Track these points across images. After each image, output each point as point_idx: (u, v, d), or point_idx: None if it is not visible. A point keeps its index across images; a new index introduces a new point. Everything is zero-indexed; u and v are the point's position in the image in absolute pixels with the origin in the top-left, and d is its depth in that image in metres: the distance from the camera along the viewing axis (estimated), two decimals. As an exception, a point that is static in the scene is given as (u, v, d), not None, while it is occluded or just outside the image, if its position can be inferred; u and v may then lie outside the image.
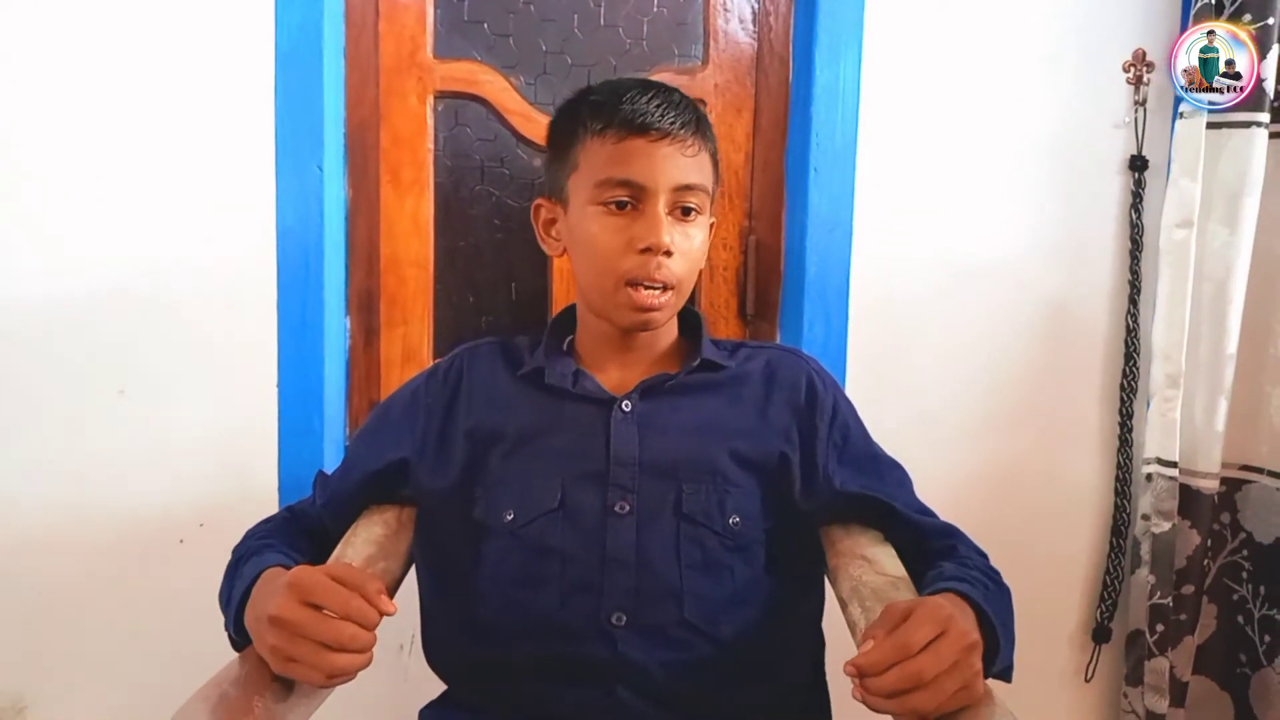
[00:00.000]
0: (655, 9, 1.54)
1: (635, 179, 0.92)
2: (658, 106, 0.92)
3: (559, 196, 1.00)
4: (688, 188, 0.94)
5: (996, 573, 0.93)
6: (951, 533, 1.00)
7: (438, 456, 1.01)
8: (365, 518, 1.05)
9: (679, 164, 0.93)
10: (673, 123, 0.92)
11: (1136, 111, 1.49)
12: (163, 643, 1.46)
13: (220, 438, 1.47)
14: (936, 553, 0.95)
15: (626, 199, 0.93)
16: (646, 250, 0.92)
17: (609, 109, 0.93)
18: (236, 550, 0.96)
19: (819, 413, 1.01)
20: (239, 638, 0.86)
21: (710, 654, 0.91)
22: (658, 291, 0.94)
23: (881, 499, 1.01)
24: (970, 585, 0.84)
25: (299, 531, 1.02)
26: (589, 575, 0.92)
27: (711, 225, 1.03)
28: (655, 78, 1.49)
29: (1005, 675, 0.86)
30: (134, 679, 1.48)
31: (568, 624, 0.91)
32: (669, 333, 1.05)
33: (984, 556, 0.96)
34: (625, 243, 0.93)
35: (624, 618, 0.90)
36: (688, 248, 0.95)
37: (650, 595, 0.91)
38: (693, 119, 0.94)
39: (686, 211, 0.95)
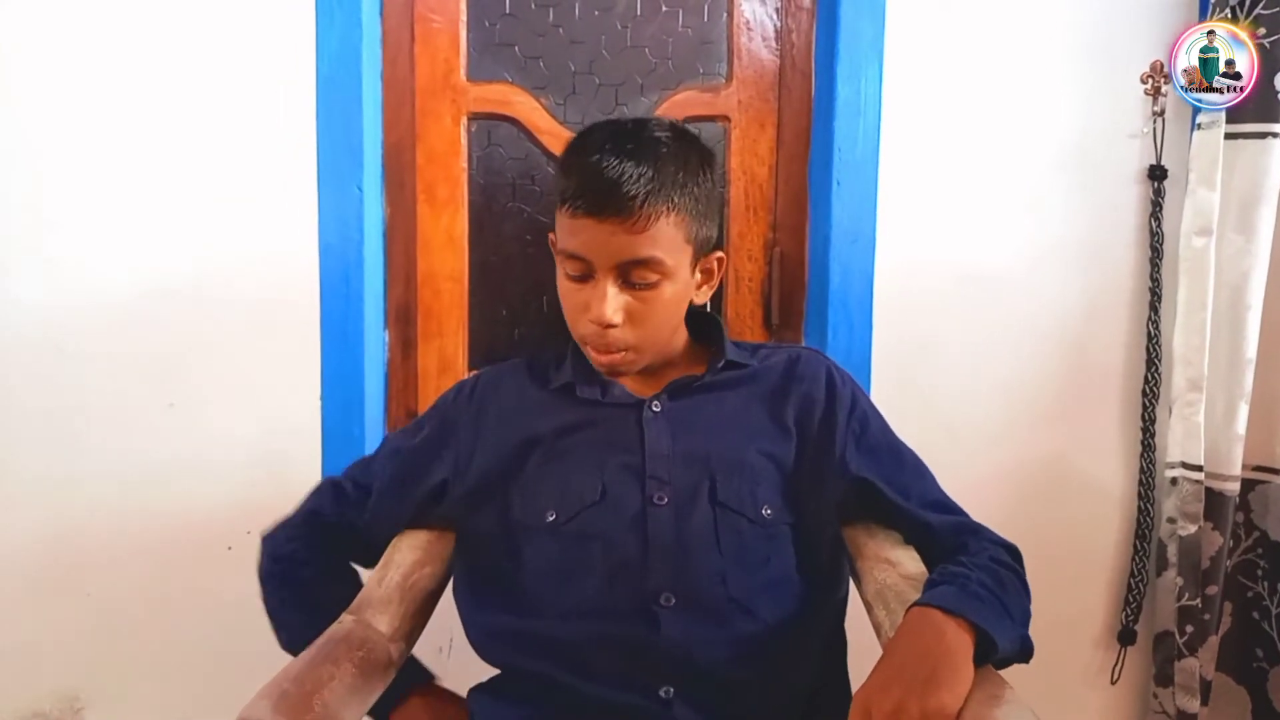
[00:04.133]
0: (680, 29, 1.58)
1: (582, 254, 0.96)
2: (605, 182, 0.92)
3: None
4: (633, 264, 0.95)
5: (1005, 563, 0.94)
6: (964, 529, 1.01)
7: (469, 470, 1.05)
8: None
9: (623, 241, 0.93)
10: (617, 200, 0.91)
11: (1154, 122, 1.51)
12: (214, 644, 1.51)
13: (265, 446, 1.53)
14: (946, 552, 0.97)
15: (578, 272, 0.97)
16: (594, 321, 0.97)
17: (569, 176, 0.96)
18: (279, 580, 1.09)
19: (838, 402, 1.05)
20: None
21: (750, 632, 0.94)
22: (612, 351, 0.99)
23: (888, 493, 1.02)
24: (948, 585, 0.88)
25: (334, 550, 1.10)
26: (633, 558, 0.96)
27: (721, 260, 1.05)
28: (680, 96, 1.57)
29: (1020, 658, 0.88)
30: (187, 679, 1.54)
31: (614, 604, 0.95)
32: (677, 343, 1.09)
33: (1004, 548, 0.97)
34: (581, 306, 0.98)
35: (672, 598, 0.94)
36: (642, 314, 0.97)
37: (693, 575, 0.95)
38: (642, 192, 0.92)
39: (640, 283, 0.96)
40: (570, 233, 0.96)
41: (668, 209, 0.94)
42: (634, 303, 0.97)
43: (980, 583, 0.88)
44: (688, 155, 0.98)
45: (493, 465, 1.04)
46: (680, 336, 1.09)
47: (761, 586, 0.97)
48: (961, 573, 0.90)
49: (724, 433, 1.03)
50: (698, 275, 1.03)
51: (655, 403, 1.04)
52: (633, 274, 0.96)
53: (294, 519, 1.11)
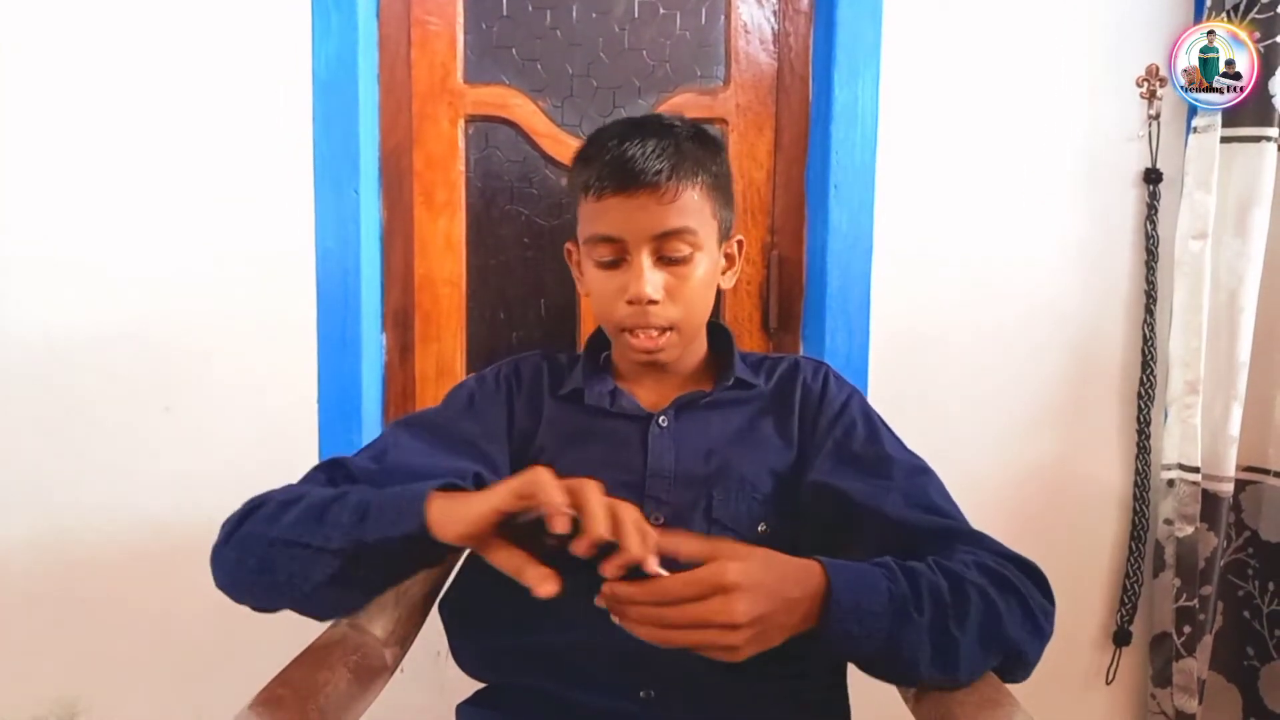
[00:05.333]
0: (678, 31, 1.58)
1: (614, 234, 0.96)
2: (629, 159, 0.93)
3: (577, 238, 1.05)
4: (666, 235, 0.95)
5: (997, 576, 0.83)
6: (954, 533, 0.91)
7: (498, 468, 1.03)
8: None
9: (654, 214, 0.94)
10: (641, 173, 0.93)
11: (1150, 125, 1.51)
12: (210, 649, 1.51)
13: (262, 450, 1.53)
14: (921, 555, 0.86)
15: (611, 256, 0.97)
16: (633, 301, 0.97)
17: (590, 165, 0.97)
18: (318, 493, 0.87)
19: (824, 408, 1.03)
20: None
21: None
22: (654, 334, 0.99)
23: (857, 498, 0.94)
24: (864, 569, 0.79)
25: None
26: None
27: (740, 243, 1.07)
28: (678, 99, 1.57)
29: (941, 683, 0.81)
30: (184, 684, 1.54)
31: (607, 617, 0.94)
32: (698, 350, 1.09)
33: (1010, 561, 0.87)
34: (617, 291, 0.98)
35: None
36: (681, 290, 0.98)
37: None
38: (668, 165, 0.94)
39: (675, 256, 0.97)
40: (598, 215, 0.96)
41: (693, 180, 0.96)
42: (670, 279, 0.97)
43: (921, 588, 0.79)
44: (701, 139, 1.01)
45: (511, 459, 1.04)
46: (701, 344, 1.09)
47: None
48: (907, 569, 0.81)
49: (727, 450, 1.01)
50: (721, 259, 1.04)
51: (662, 418, 1.03)
52: (666, 247, 0.96)
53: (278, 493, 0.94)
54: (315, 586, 0.82)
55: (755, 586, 0.74)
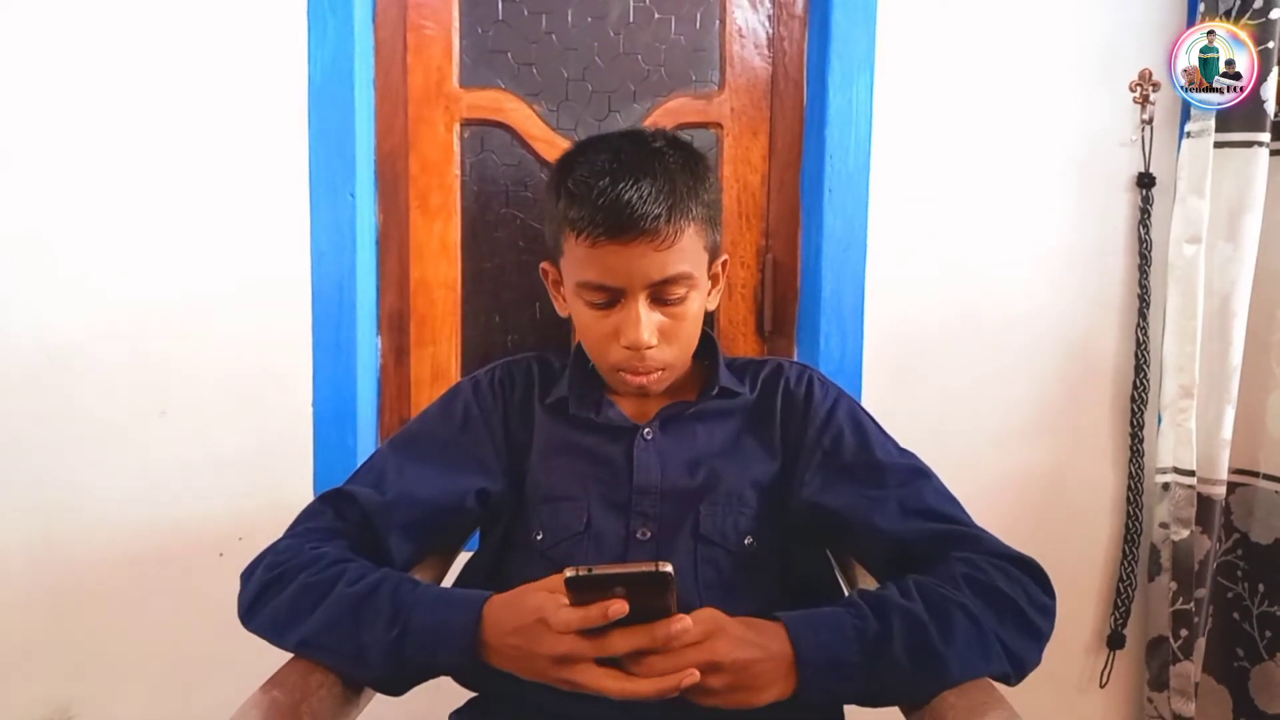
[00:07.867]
0: (673, 36, 1.58)
1: (610, 283, 0.93)
2: (626, 205, 0.88)
3: (558, 265, 1.02)
4: (664, 281, 0.93)
5: (982, 584, 0.84)
6: (949, 538, 0.91)
7: (505, 474, 1.04)
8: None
9: (652, 261, 0.91)
10: (641, 220, 0.89)
11: (1143, 130, 1.52)
12: (205, 652, 1.51)
13: (257, 454, 1.53)
14: (917, 563, 0.88)
15: (604, 300, 0.95)
16: (629, 346, 0.95)
17: (579, 204, 0.91)
18: (330, 573, 0.86)
19: (810, 419, 1.02)
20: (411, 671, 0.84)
21: None
22: (646, 372, 0.98)
23: (850, 518, 0.95)
24: (834, 620, 0.80)
25: (371, 550, 0.96)
26: None
27: (725, 263, 1.05)
28: (673, 103, 1.57)
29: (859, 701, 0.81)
30: (178, 687, 1.54)
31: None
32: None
33: (1008, 560, 0.88)
34: (610, 333, 0.96)
35: None
36: (677, 330, 0.97)
37: None
38: (665, 209, 0.90)
39: (671, 299, 0.95)
40: (591, 261, 0.93)
41: (688, 221, 0.93)
42: (666, 320, 0.96)
43: (892, 619, 0.79)
44: (691, 163, 0.97)
45: (513, 469, 1.04)
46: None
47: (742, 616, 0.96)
48: (876, 600, 0.82)
49: (713, 463, 1.01)
50: (708, 282, 1.03)
51: (647, 430, 1.02)
52: (663, 291, 0.94)
53: (295, 533, 0.95)
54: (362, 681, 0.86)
55: (743, 640, 0.77)
